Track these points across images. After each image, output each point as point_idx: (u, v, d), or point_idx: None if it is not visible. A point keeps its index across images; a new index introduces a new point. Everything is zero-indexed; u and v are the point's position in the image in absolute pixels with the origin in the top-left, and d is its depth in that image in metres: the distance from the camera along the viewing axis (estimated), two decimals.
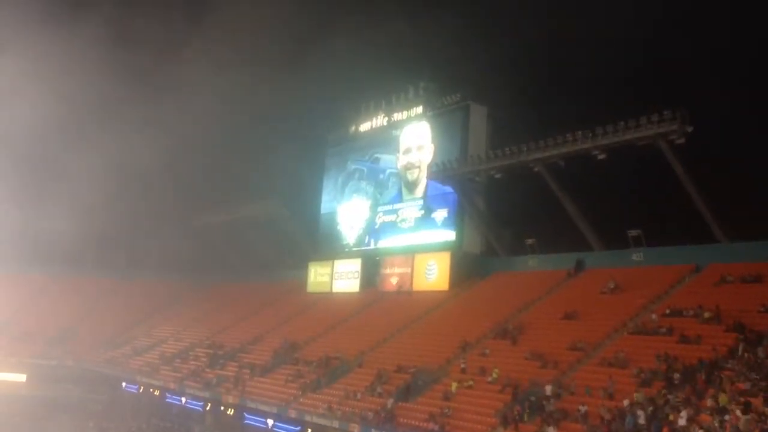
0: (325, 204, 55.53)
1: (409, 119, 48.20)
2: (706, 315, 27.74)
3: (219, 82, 54.11)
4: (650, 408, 22.63)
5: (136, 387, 49.77)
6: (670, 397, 22.96)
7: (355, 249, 51.41)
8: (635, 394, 23.91)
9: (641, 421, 22.39)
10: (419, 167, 46.53)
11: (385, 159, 50.11)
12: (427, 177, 44.86)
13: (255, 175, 60.29)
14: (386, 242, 48.79)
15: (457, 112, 44.85)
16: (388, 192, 49.50)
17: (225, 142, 60.38)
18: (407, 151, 48.04)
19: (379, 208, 49.76)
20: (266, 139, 57.01)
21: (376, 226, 49.82)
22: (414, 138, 47.64)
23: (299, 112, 56.00)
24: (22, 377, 52.61)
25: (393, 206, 48.62)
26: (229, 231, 64.97)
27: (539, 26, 46.30)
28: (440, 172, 43.39)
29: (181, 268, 67.45)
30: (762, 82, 35.28)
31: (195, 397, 43.33)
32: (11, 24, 46.93)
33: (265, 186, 59.82)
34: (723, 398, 21.18)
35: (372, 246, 49.98)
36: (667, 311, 29.61)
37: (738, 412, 19.67)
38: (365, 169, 51.89)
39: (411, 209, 47.08)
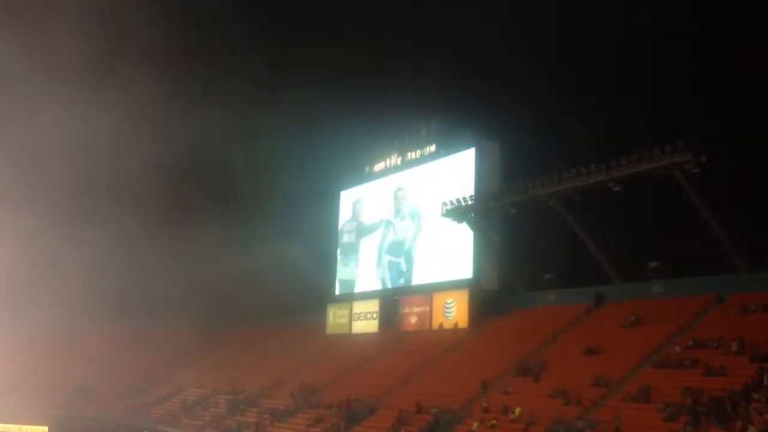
0: (342, 246, 55.68)
1: (423, 158, 48.63)
2: (733, 348, 27.31)
3: (232, 127, 54.99)
4: None
5: None
6: None
7: (372, 290, 51.45)
8: None
9: None
10: (435, 205, 46.35)
11: (401, 198, 50.34)
12: (441, 214, 44.78)
13: (272, 219, 60.56)
14: (403, 281, 48.82)
15: (469, 149, 45.16)
16: (404, 231, 49.63)
17: (241, 187, 61.05)
18: (422, 189, 48.32)
19: (396, 247, 49.96)
20: (282, 183, 57.58)
21: (393, 266, 49.88)
22: (428, 176, 47.99)
23: (314, 155, 56.62)
24: (44, 429, 52.62)
25: (410, 245, 48.74)
26: (247, 276, 64.91)
27: (549, 60, 46.97)
28: (455, 210, 43.43)
29: (200, 314, 67.02)
30: None
31: None
32: None
33: (282, 230, 59.69)
34: (752, 431, 20.79)
35: (389, 286, 50.04)
36: (691, 343, 29.30)
37: None
38: (381, 209, 52.12)
39: (428, 247, 47.13)
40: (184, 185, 61.83)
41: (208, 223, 61.36)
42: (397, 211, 50.64)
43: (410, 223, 49.25)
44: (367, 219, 53.67)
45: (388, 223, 51.33)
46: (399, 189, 50.62)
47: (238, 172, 59.43)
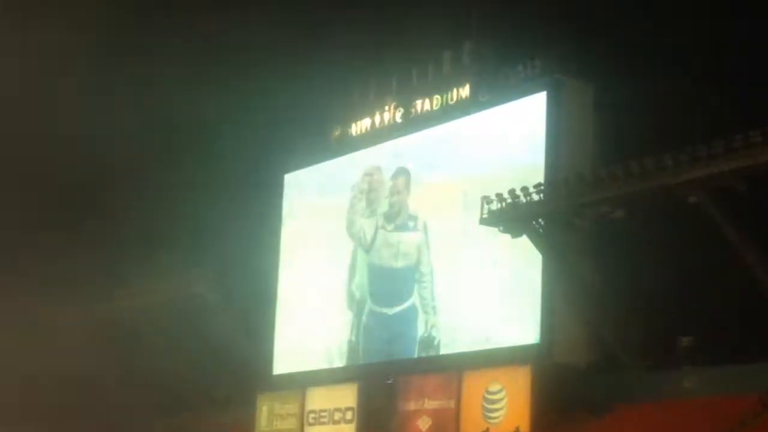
0: (286, 280, 56.45)
1: (446, 109, 48.55)
2: None
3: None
4: None
5: None
6: None
7: (344, 365, 51.73)
8: None
9: None
10: (466, 201, 46.23)
11: (398, 186, 50.67)
12: (480, 219, 44.19)
13: (157, 234, 63.61)
14: (405, 349, 48.59)
15: (534, 93, 44.88)
16: (402, 249, 49.74)
17: (99, 179, 64.32)
18: (442, 171, 48.36)
19: (386, 282, 50.24)
20: (181, 167, 61.15)
21: (385, 318, 49.85)
22: (455, 146, 48.02)
23: (240, 111, 59.08)
24: None
25: (415, 277, 48.66)
26: (111, 340, 64.93)
27: None
28: (506, 211, 42.77)
29: (23, 414, 66.78)
30: None
31: None
32: None
33: (174, 254, 61.99)
34: None
35: (377, 358, 50.01)
36: None
37: None
38: (359, 208, 52.70)
39: (449, 281, 46.72)
40: None
41: (37, 250, 64.20)
42: (393, 208, 50.88)
43: (415, 237, 49.43)
44: (333, 226, 54.23)
45: (373, 231, 51.74)
46: (396, 168, 50.79)
47: (96, 150, 62.02)
